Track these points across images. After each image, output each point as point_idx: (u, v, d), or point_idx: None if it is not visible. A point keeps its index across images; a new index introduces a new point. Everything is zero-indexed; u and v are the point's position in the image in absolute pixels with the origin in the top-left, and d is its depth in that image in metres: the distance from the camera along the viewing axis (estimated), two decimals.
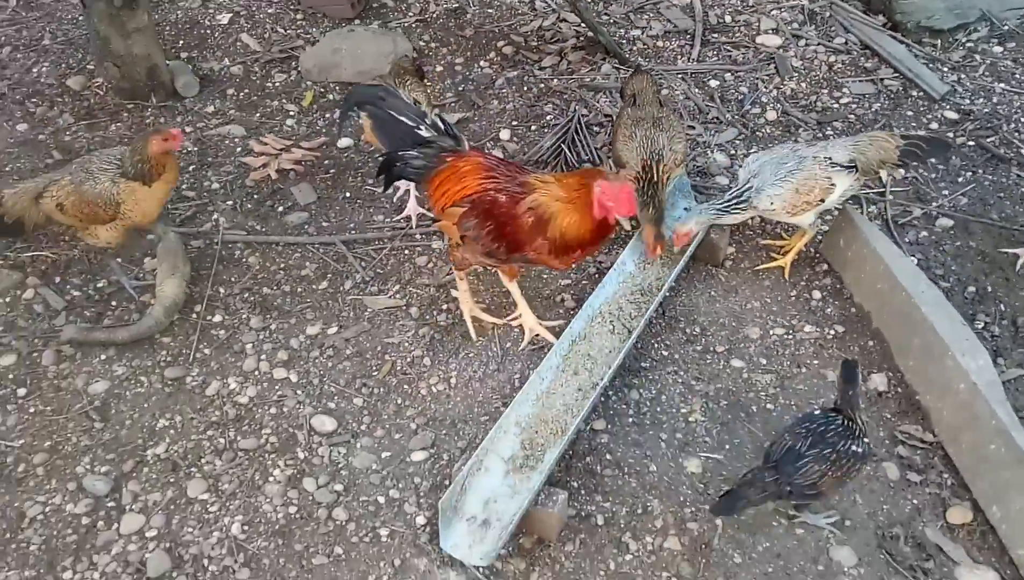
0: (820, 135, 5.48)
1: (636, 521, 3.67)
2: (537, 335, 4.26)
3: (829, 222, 4.82)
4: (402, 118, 3.93)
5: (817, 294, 4.56)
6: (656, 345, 4.32)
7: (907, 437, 3.96)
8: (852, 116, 5.64)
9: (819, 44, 6.18)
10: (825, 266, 4.69)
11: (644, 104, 4.66)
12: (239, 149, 5.31)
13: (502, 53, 6.13)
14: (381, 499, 3.71)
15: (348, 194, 5.06)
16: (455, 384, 4.13)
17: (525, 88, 5.84)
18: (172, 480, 3.75)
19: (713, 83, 5.90)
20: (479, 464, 3.65)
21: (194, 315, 4.39)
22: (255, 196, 5.03)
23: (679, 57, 6.13)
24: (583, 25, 6.20)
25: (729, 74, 5.97)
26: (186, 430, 3.93)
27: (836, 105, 5.73)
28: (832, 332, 4.38)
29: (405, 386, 4.11)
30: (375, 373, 4.15)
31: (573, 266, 4.29)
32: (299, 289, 4.53)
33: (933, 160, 5.19)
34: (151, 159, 4.00)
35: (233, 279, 4.57)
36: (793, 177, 4.25)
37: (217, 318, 4.39)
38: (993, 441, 3.65)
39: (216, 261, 4.63)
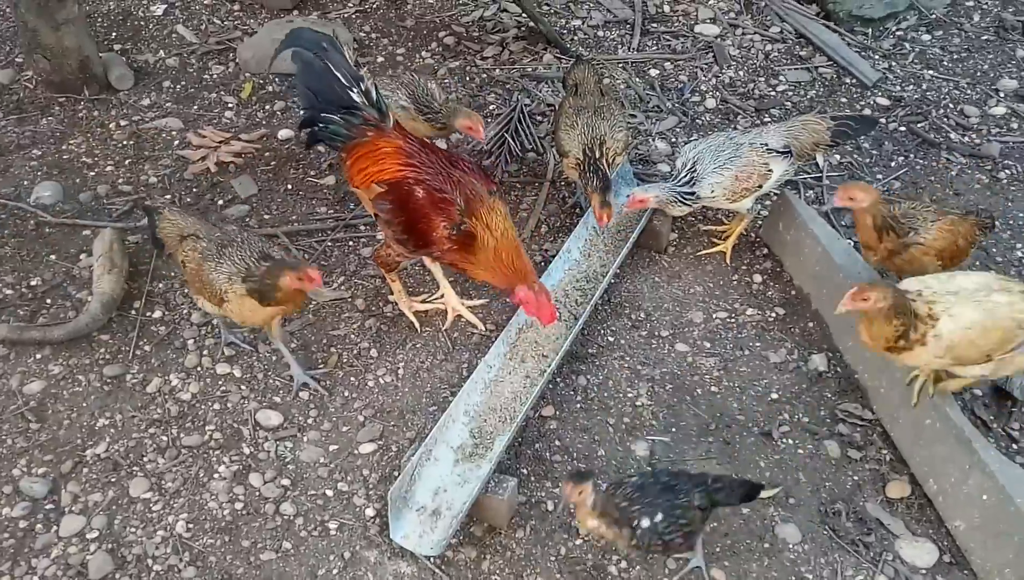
0: (759, 122, 5.56)
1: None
2: (460, 316, 4.27)
3: (768, 207, 4.90)
4: (337, 74, 3.85)
5: (758, 278, 4.63)
6: (602, 331, 4.35)
7: (847, 415, 4.04)
8: (789, 103, 5.73)
9: (755, 33, 6.27)
10: (765, 250, 4.76)
11: (585, 93, 4.69)
12: (177, 142, 5.21)
13: (443, 43, 6.11)
14: (329, 492, 3.68)
15: (290, 186, 5.00)
16: (403, 375, 4.11)
17: (468, 78, 5.83)
18: (113, 480, 3.67)
19: (653, 72, 5.95)
20: (428, 454, 3.64)
21: (133, 311, 4.30)
22: (194, 190, 4.94)
23: (619, 47, 6.16)
24: (524, 15, 6.21)
25: (669, 63, 6.02)
26: (127, 429, 3.85)
27: (773, 93, 5.82)
28: (773, 314, 4.46)
29: (352, 378, 4.08)
30: (321, 366, 4.11)
31: None
32: None
33: (862, 136, 5.30)
34: (278, 290, 3.57)
35: (172, 274, 4.48)
36: (732, 164, 4.31)
37: (157, 314, 4.31)
38: (928, 416, 3.75)
39: (155, 256, 4.54)
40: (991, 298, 3.36)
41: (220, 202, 4.89)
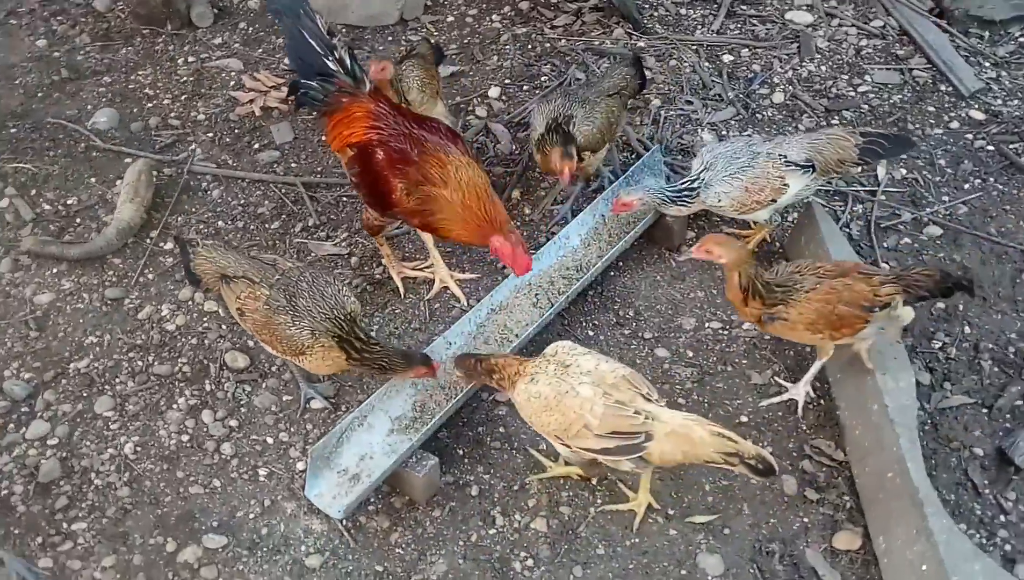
0: (824, 123, 5.20)
1: (510, 497, 3.66)
2: (446, 288, 4.27)
3: (796, 217, 4.60)
4: (312, 42, 3.91)
5: None
6: (584, 324, 4.25)
7: (816, 452, 3.80)
8: (866, 106, 5.32)
9: (853, 25, 5.83)
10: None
11: (592, 87, 4.53)
12: (232, 83, 5.42)
13: (517, 8, 6.02)
14: (270, 440, 3.81)
15: (323, 138, 5.10)
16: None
17: (529, 47, 5.73)
18: (85, 395, 3.94)
19: (727, 58, 5.65)
20: (363, 419, 3.69)
21: (148, 240, 4.55)
22: (236, 130, 5.14)
23: (699, 27, 5.88)
24: None
25: (747, 50, 5.70)
26: (111, 349, 4.11)
27: (852, 93, 5.41)
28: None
29: None
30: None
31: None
32: (252, 226, 4.64)
33: (895, 156, 4.86)
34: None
35: (192, 210, 4.71)
36: (744, 174, 4.06)
37: (168, 246, 4.54)
38: (891, 468, 3.47)
39: (181, 190, 4.77)
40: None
41: (255, 145, 5.06)
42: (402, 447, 3.62)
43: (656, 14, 5.99)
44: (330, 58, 3.92)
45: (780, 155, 4.08)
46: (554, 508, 3.63)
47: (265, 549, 3.50)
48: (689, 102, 5.37)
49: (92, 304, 4.28)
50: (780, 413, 3.93)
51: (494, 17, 5.94)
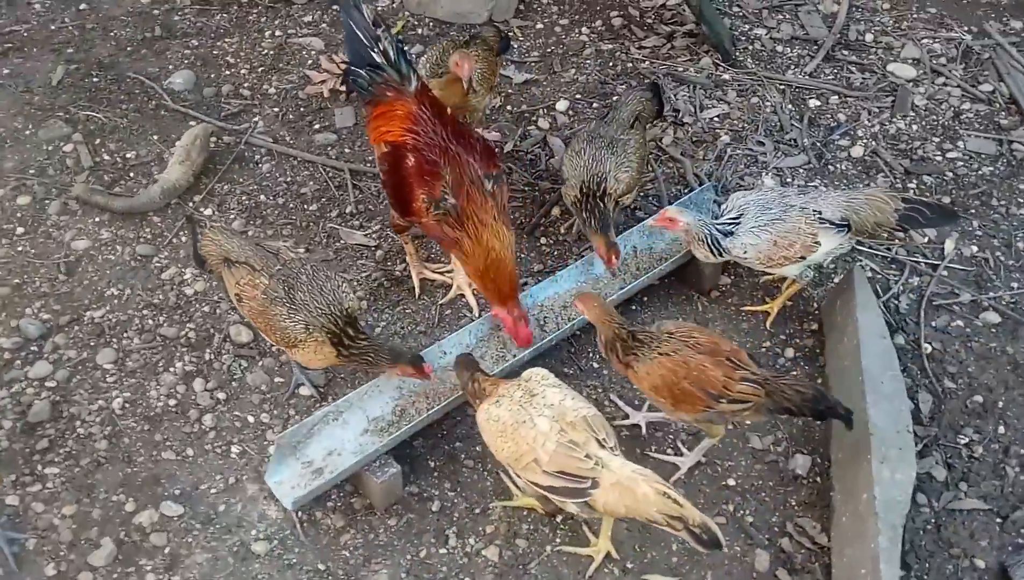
0: (900, 185, 4.88)
1: (470, 519, 3.58)
2: (462, 296, 4.22)
3: (839, 275, 4.33)
4: (359, 33, 3.93)
5: (791, 353, 4.14)
6: (590, 354, 4.12)
7: (799, 531, 3.56)
8: (950, 173, 4.96)
9: (958, 86, 5.44)
10: (816, 325, 4.23)
11: (612, 121, 4.36)
12: (310, 62, 5.49)
13: (609, 23, 5.88)
14: (251, 419, 3.85)
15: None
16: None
17: (611, 64, 5.59)
18: (92, 344, 4.07)
19: (813, 103, 5.38)
20: (338, 415, 3.68)
21: (190, 204, 4.66)
22: (301, 109, 5.21)
23: (793, 67, 5.61)
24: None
25: (837, 97, 5.41)
26: (127, 303, 4.23)
27: (939, 157, 5.06)
28: None
29: None
30: None
31: None
32: (291, 205, 4.69)
33: (935, 229, 4.53)
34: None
35: (240, 180, 4.80)
36: (773, 228, 3.84)
37: (208, 212, 4.64)
38: (865, 565, 3.21)
39: (234, 160, 4.87)
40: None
41: (316, 126, 5.12)
42: (370, 448, 3.58)
43: (751, 48, 5.75)
44: (375, 50, 3.91)
45: (815, 210, 3.84)
46: (511, 539, 3.52)
47: (218, 526, 3.52)
48: (760, 143, 5.13)
49: (122, 257, 4.41)
50: (772, 483, 3.70)
51: (583, 30, 5.83)
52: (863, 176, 4.97)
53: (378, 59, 3.92)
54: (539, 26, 5.87)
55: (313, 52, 5.57)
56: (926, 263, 4.55)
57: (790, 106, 5.36)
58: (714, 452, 3.78)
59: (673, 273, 4.39)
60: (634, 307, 4.29)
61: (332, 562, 3.44)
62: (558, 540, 3.52)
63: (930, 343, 4.19)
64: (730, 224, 3.92)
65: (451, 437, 3.81)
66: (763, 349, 4.16)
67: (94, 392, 3.90)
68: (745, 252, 3.88)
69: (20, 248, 4.43)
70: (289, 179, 4.81)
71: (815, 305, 4.32)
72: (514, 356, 3.88)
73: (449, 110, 3.98)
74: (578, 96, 5.37)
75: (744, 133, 5.19)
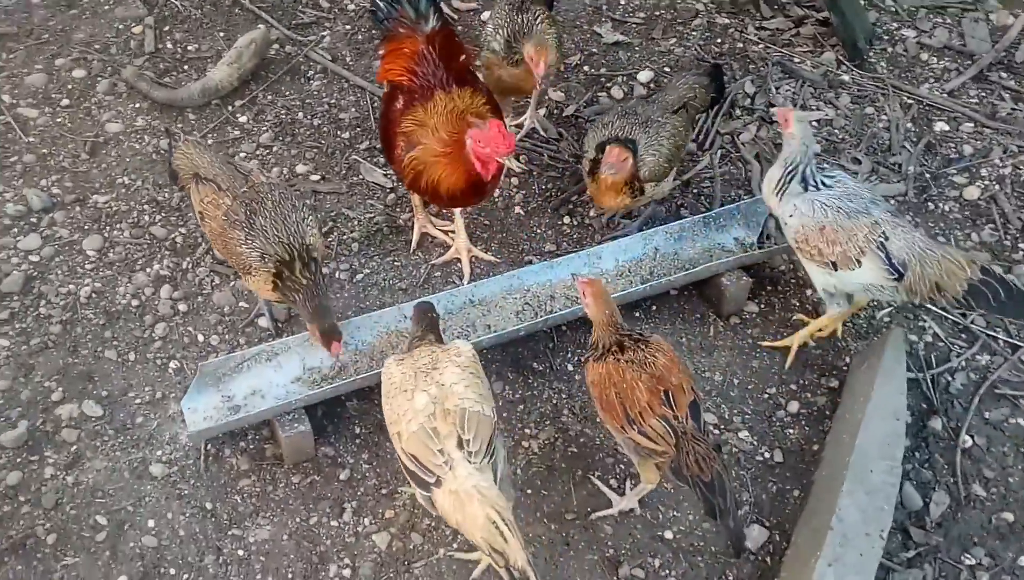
0: (1009, 244, 4.12)
1: (373, 498, 3.33)
2: (459, 260, 3.94)
3: (873, 333, 3.70)
4: None
5: (795, 407, 3.60)
6: (567, 355, 3.73)
7: None
8: None
9: None
10: (836, 383, 3.64)
11: (655, 102, 3.86)
12: None
13: None
14: (201, 338, 3.73)
15: None
16: (358, 280, 3.93)
17: (719, 40, 5.01)
18: (85, 228, 4.05)
19: (940, 126, 4.62)
20: (273, 356, 3.49)
21: (229, 108, 4.55)
22: (372, 31, 4.96)
23: (931, 80, 4.84)
24: None
25: (972, 125, 4.63)
26: (133, 195, 4.18)
27: None
28: (768, 456, 3.46)
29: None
30: None
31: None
32: (325, 128, 4.49)
33: (1005, 316, 3.72)
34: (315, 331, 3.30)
35: (285, 93, 4.64)
36: (829, 213, 3.32)
37: (242, 119, 4.52)
38: None
39: (288, 71, 4.71)
40: None
41: (381, 52, 4.85)
42: (294, 397, 3.38)
43: (889, 51, 5.01)
44: None
45: (883, 233, 3.28)
46: (407, 530, 3.25)
47: (128, 438, 3.44)
48: (857, 160, 4.46)
49: (146, 148, 4.36)
50: (714, 548, 3.22)
51: (702, 2, 5.24)
52: (967, 224, 4.24)
53: None
54: None
55: None
56: (1005, 341, 3.82)
57: (909, 125, 4.63)
58: (662, 495, 3.33)
59: (695, 287, 3.89)
60: (637, 314, 3.84)
61: (221, 504, 3.29)
62: (455, 545, 3.21)
63: (972, 436, 3.53)
64: (816, 183, 3.44)
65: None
66: (766, 395, 3.63)
67: (69, 276, 3.88)
68: (791, 215, 3.42)
69: (59, 119, 4.46)
70: (333, 101, 4.61)
71: (845, 360, 3.72)
72: (466, 337, 3.54)
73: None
74: (667, 69, 4.84)
75: (841, 146, 4.52)
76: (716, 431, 3.52)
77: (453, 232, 4.02)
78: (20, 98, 4.52)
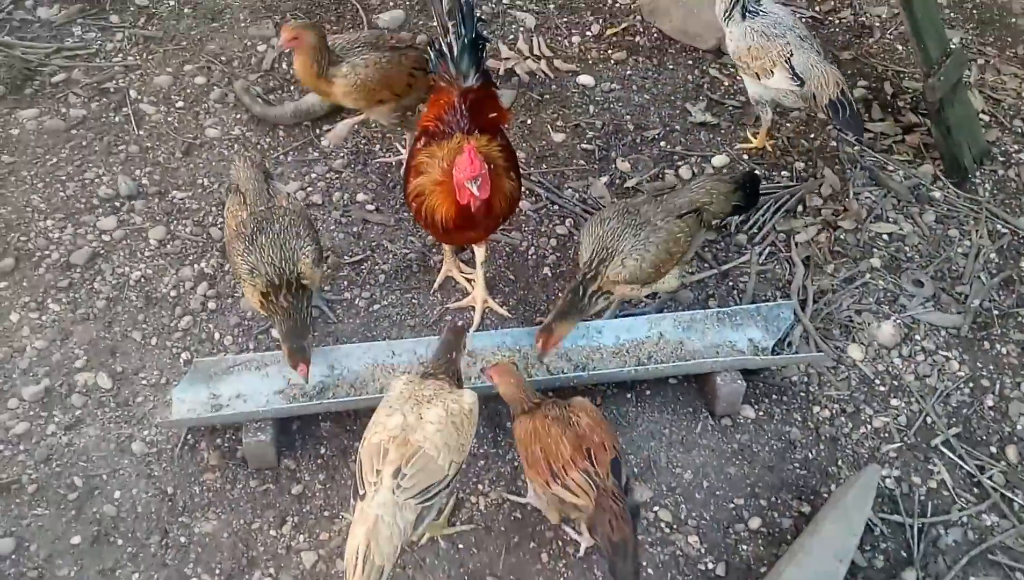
0: None
1: (314, 518, 3.47)
2: (472, 307, 4.04)
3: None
4: (435, 18, 3.93)
5: (756, 523, 3.45)
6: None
7: None
8: None
9: None
10: (808, 508, 3.44)
11: (661, 203, 3.76)
12: (511, 36, 5.40)
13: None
14: (217, 335, 4.01)
15: (530, 123, 4.94)
16: (374, 309, 4.10)
17: (811, 136, 4.86)
18: (156, 218, 4.43)
19: None
20: (263, 365, 3.71)
21: (316, 130, 4.87)
22: None
23: None
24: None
25: None
26: (206, 196, 4.55)
27: None
28: (711, 568, 3.32)
29: (344, 282, 4.19)
30: (347, 257, 4.28)
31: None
32: (393, 161, 4.71)
33: (843, 129, 4.59)
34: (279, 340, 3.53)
35: (371, 124, 4.89)
36: (755, 36, 4.33)
37: (324, 142, 4.82)
38: None
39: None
40: None
41: None
42: (271, 408, 3.58)
43: (999, 173, 4.70)
44: (442, 41, 3.85)
45: (791, 52, 4.26)
46: (334, 555, 3.36)
47: (124, 413, 3.75)
48: (918, 283, 4.18)
49: (232, 156, 4.74)
50: None
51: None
52: (1020, 370, 3.86)
53: (444, 49, 3.81)
54: None
55: (521, 27, 5.47)
56: (1022, 506, 3.46)
57: (994, 256, 4.28)
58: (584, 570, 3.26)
59: (696, 380, 3.79)
60: (629, 395, 3.78)
61: (180, 491, 3.52)
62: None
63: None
64: (753, 11, 4.39)
65: (358, 436, 3.66)
66: (731, 504, 3.48)
67: (128, 259, 4.29)
68: (730, 40, 4.45)
69: (170, 118, 4.94)
70: (407, 137, 4.82)
71: (831, 487, 3.49)
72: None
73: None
74: (744, 157, 4.73)
75: (905, 266, 4.26)
76: (667, 529, 3.40)
77: (471, 278, 4.11)
78: (145, 95, 5.04)
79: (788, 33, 4.31)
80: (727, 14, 4.42)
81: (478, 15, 3.95)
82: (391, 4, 5.58)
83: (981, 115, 4.92)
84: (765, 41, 4.29)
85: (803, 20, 5.25)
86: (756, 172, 4.36)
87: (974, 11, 5.64)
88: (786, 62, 4.24)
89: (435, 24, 3.89)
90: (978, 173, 4.68)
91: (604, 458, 2.97)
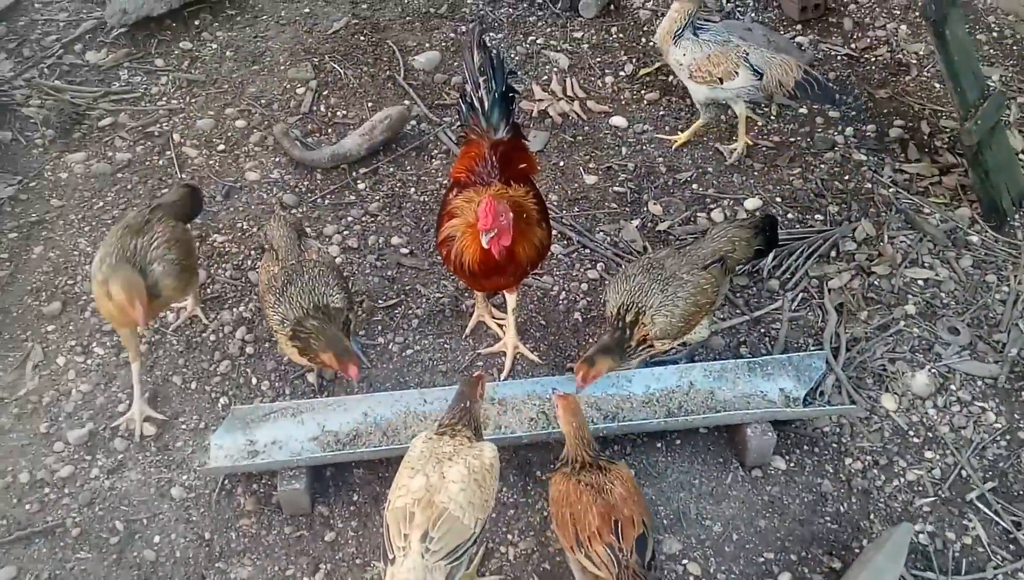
0: None
1: (346, 566, 3.53)
2: (503, 353, 4.09)
3: (909, 519, 3.44)
4: (466, 73, 3.96)
5: (786, 577, 3.41)
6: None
7: None
8: None
9: None
10: (839, 564, 3.43)
11: (685, 254, 3.76)
12: (544, 77, 5.46)
13: (883, 131, 5.08)
14: (254, 381, 4.08)
15: (562, 165, 4.99)
16: (407, 354, 4.16)
17: (846, 177, 4.85)
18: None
19: None
20: (297, 412, 3.78)
21: (353, 174, 4.96)
22: None
23: None
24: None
25: None
26: (245, 240, 4.65)
27: None
28: None
29: (379, 326, 4.25)
30: (381, 301, 4.35)
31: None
32: (429, 205, 4.78)
33: (818, 103, 5.10)
34: (319, 358, 3.57)
35: (407, 167, 4.98)
36: (711, 46, 4.66)
37: (361, 186, 4.91)
38: None
39: (414, 147, 5.08)
40: None
41: None
42: (306, 455, 3.65)
43: None
44: (471, 95, 3.91)
45: (745, 51, 4.63)
46: None
47: (165, 458, 3.84)
48: (954, 331, 4.14)
49: (269, 200, 4.85)
50: None
51: (847, 130, 5.10)
52: None
53: (475, 103, 3.87)
54: (802, 110, 5.23)
55: (556, 70, 5.52)
56: None
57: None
58: None
59: (727, 431, 3.80)
60: (659, 444, 3.79)
61: (217, 536, 3.60)
62: None
63: None
64: (700, 27, 4.71)
65: (389, 482, 3.71)
66: (761, 559, 3.47)
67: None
68: (684, 54, 4.69)
69: (211, 161, 5.07)
70: (444, 181, 4.90)
71: (863, 542, 3.47)
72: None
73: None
74: (777, 200, 4.73)
75: (941, 313, 4.22)
76: None
77: (503, 324, 4.16)
78: (187, 138, 5.18)
79: (733, 36, 4.71)
80: (678, 33, 4.68)
81: (508, 68, 4.01)
82: (427, 46, 5.68)
83: (1021, 155, 4.87)
84: (721, 47, 4.62)
85: (838, 58, 5.31)
86: (773, 214, 4.33)
87: (1014, 47, 5.58)
88: (745, 60, 4.59)
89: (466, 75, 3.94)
90: (1017, 216, 4.63)
91: (631, 533, 2.96)
